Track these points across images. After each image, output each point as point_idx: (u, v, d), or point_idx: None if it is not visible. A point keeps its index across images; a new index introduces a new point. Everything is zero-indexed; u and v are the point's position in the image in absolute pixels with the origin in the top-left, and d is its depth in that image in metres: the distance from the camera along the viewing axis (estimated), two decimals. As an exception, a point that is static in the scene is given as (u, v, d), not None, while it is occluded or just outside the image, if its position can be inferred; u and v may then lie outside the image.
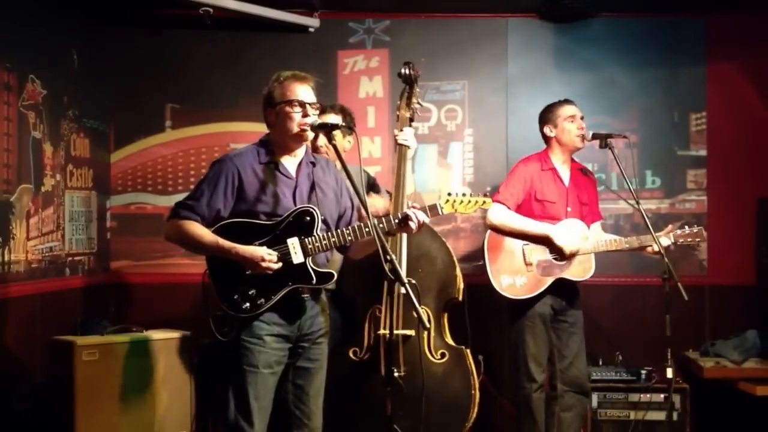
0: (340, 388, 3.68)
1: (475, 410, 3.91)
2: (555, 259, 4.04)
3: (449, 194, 3.17)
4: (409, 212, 3.02)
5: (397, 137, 3.85)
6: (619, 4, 4.80)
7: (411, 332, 3.84)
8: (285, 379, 3.11)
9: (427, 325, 2.82)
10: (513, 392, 4.30)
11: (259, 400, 3.01)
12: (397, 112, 3.89)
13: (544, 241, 4.00)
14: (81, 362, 3.96)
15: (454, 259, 4.08)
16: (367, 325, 3.86)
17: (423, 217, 3.05)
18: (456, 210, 3.16)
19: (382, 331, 3.78)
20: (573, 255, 4.00)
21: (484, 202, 3.20)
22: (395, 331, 3.77)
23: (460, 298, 4.04)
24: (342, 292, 3.83)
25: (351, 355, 3.84)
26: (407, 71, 3.86)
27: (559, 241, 3.96)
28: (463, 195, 3.17)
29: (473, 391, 3.90)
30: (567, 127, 4.11)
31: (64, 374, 3.97)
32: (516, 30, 5.09)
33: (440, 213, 3.14)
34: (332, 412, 3.64)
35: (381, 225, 3.03)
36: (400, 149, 3.84)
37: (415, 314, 2.75)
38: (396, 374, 3.72)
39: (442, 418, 3.84)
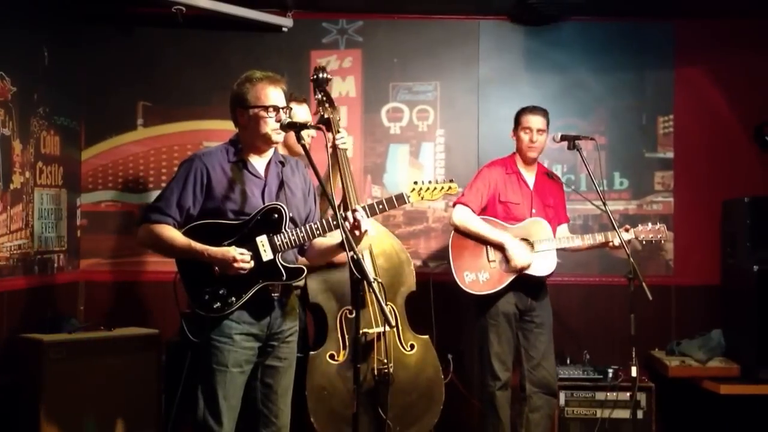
0: (324, 392, 3.79)
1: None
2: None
3: (415, 182, 3.21)
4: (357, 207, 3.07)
5: (337, 142, 3.91)
6: (588, 8, 4.85)
7: (383, 328, 3.90)
8: (254, 377, 3.12)
9: (393, 322, 2.86)
10: (478, 391, 4.35)
11: (228, 400, 3.02)
12: (328, 116, 3.93)
13: (500, 248, 4.09)
14: (48, 360, 3.95)
15: (408, 254, 4.20)
16: (339, 328, 3.89)
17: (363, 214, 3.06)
18: (423, 198, 3.20)
19: (366, 330, 3.83)
20: (521, 269, 4.06)
21: (450, 187, 3.25)
22: (375, 330, 3.86)
23: (415, 289, 4.13)
24: (309, 299, 3.88)
25: (328, 359, 3.87)
26: (324, 75, 3.96)
27: (511, 253, 4.05)
28: (429, 182, 3.22)
29: (442, 375, 4.06)
30: (521, 136, 4.22)
31: (31, 372, 3.96)
32: (487, 32, 5.13)
33: (407, 202, 3.18)
34: (320, 417, 3.72)
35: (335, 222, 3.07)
36: (341, 153, 3.92)
37: (380, 312, 2.78)
38: (384, 370, 3.84)
39: (421, 405, 3.98)
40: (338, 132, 3.93)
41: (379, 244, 4.03)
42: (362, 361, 3.83)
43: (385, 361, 3.84)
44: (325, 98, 3.98)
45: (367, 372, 3.84)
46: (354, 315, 3.82)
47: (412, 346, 3.99)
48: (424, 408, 3.99)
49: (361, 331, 3.79)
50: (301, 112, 3.85)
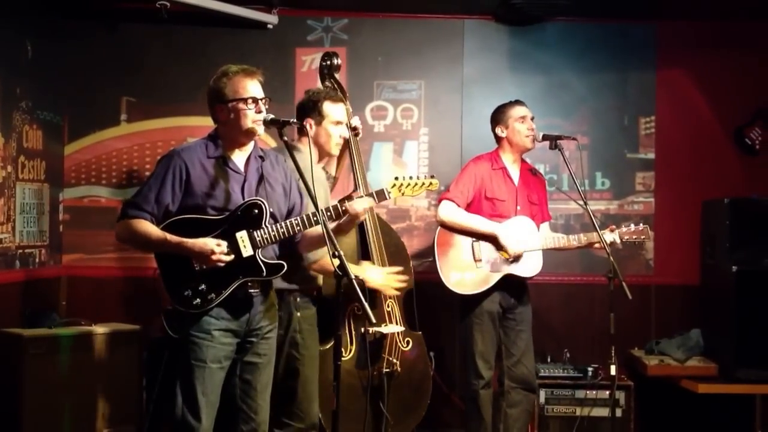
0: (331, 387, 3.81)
1: None
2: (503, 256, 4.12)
3: (396, 178, 3.22)
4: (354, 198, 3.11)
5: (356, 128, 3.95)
6: (572, 10, 4.87)
7: (399, 329, 4.04)
8: (232, 373, 3.12)
9: (373, 320, 2.88)
10: (461, 389, 4.37)
11: (206, 395, 3.02)
12: (344, 105, 3.89)
13: (491, 239, 4.08)
14: (27, 355, 3.95)
15: (408, 253, 4.33)
16: (347, 324, 3.93)
17: (369, 202, 3.09)
18: (403, 193, 3.22)
19: (377, 329, 3.92)
20: (517, 257, 4.07)
21: (431, 183, 3.26)
22: (384, 329, 3.95)
23: (413, 287, 4.23)
24: (321, 292, 3.88)
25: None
26: (336, 61, 3.96)
27: (504, 241, 4.04)
28: (410, 178, 3.23)
29: (430, 371, 4.23)
30: (517, 127, 4.19)
31: (10, 367, 3.96)
32: (472, 31, 5.15)
33: (387, 197, 3.19)
34: (326, 411, 3.75)
35: (329, 213, 3.11)
36: (354, 141, 3.97)
37: (362, 310, 2.81)
38: (389, 369, 3.96)
39: (413, 399, 4.12)
40: (351, 122, 3.94)
41: (388, 243, 4.13)
42: (370, 358, 3.91)
43: (395, 361, 3.96)
44: (335, 86, 3.95)
45: (375, 370, 3.93)
46: (360, 312, 3.92)
47: (408, 342, 4.10)
48: (415, 402, 4.12)
49: (371, 330, 3.90)
50: (341, 112, 3.68)
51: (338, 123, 3.66)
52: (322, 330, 3.95)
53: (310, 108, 3.63)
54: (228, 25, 5.00)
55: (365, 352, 3.92)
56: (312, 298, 3.64)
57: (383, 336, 4.00)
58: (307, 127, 3.58)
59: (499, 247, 4.07)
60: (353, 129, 3.96)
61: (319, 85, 4.07)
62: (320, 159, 3.73)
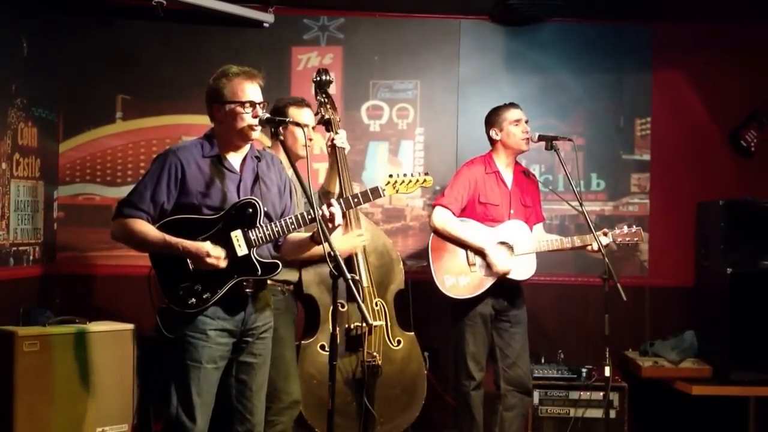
0: (313, 381, 3.86)
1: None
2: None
3: (390, 176, 3.23)
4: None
5: (335, 140, 3.96)
6: (568, 10, 4.87)
7: (379, 323, 4.02)
8: (228, 374, 3.12)
9: (369, 320, 2.88)
10: (453, 390, 4.38)
11: (201, 396, 3.01)
12: (329, 116, 4.00)
13: (479, 253, 4.10)
14: (21, 353, 3.94)
15: (398, 253, 4.31)
16: (331, 320, 3.91)
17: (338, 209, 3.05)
18: (398, 191, 3.22)
19: (358, 324, 3.90)
20: (502, 275, 4.08)
21: (425, 180, 3.28)
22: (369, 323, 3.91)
23: (404, 287, 4.23)
24: (303, 288, 3.91)
25: (319, 349, 3.93)
26: (327, 77, 4.03)
27: (492, 259, 4.06)
28: (404, 175, 3.24)
29: (425, 372, 4.18)
30: (512, 130, 4.19)
31: (4, 365, 3.94)
32: (468, 32, 5.15)
33: (382, 195, 3.20)
34: (308, 405, 3.79)
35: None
36: (340, 152, 3.97)
37: (358, 309, 2.80)
38: (372, 363, 3.93)
39: (405, 399, 4.11)
40: (337, 132, 3.99)
41: (372, 242, 4.11)
42: (352, 353, 3.93)
43: (375, 354, 3.94)
44: (326, 100, 4.05)
45: (357, 364, 3.93)
46: (345, 309, 3.93)
47: (399, 342, 4.09)
48: (407, 402, 4.10)
49: (353, 325, 3.91)
50: (306, 116, 3.81)
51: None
52: (304, 325, 4.01)
53: (277, 114, 3.69)
54: (224, 24, 4.99)
55: (345, 345, 3.94)
56: (281, 289, 3.69)
57: (366, 331, 3.96)
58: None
59: (488, 262, 4.09)
60: (333, 146, 3.99)
61: (321, 98, 4.12)
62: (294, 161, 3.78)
